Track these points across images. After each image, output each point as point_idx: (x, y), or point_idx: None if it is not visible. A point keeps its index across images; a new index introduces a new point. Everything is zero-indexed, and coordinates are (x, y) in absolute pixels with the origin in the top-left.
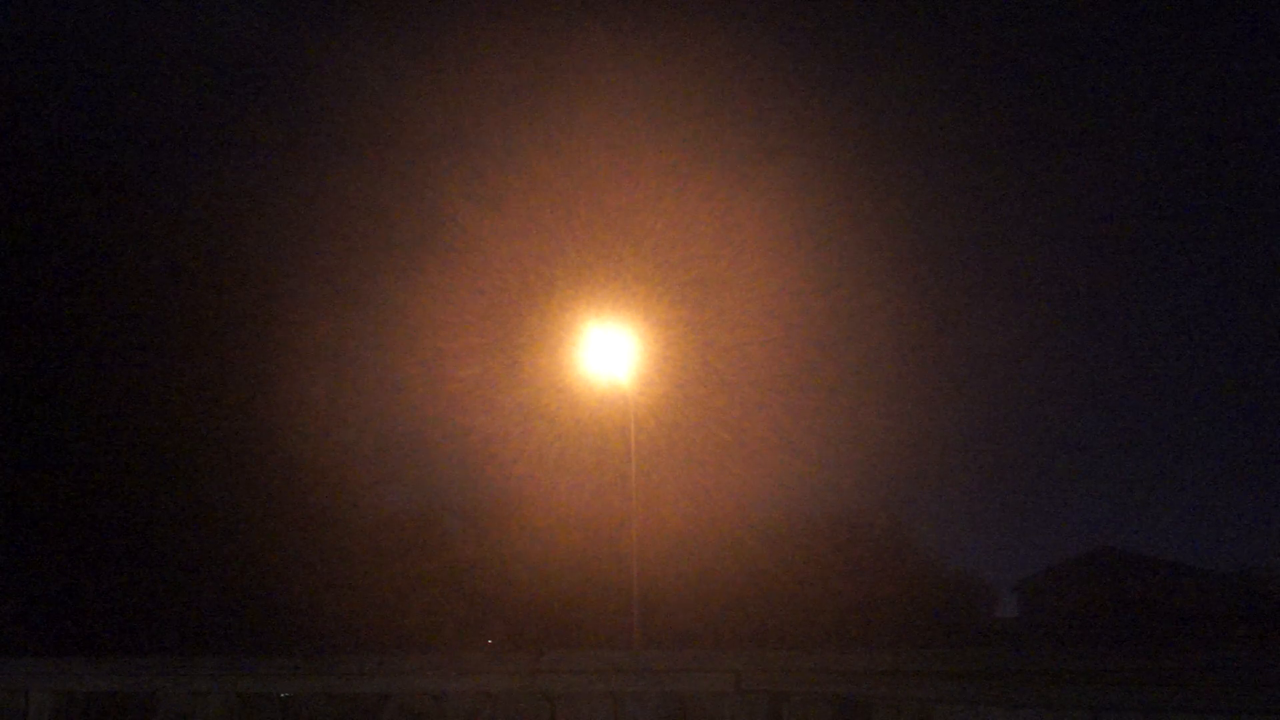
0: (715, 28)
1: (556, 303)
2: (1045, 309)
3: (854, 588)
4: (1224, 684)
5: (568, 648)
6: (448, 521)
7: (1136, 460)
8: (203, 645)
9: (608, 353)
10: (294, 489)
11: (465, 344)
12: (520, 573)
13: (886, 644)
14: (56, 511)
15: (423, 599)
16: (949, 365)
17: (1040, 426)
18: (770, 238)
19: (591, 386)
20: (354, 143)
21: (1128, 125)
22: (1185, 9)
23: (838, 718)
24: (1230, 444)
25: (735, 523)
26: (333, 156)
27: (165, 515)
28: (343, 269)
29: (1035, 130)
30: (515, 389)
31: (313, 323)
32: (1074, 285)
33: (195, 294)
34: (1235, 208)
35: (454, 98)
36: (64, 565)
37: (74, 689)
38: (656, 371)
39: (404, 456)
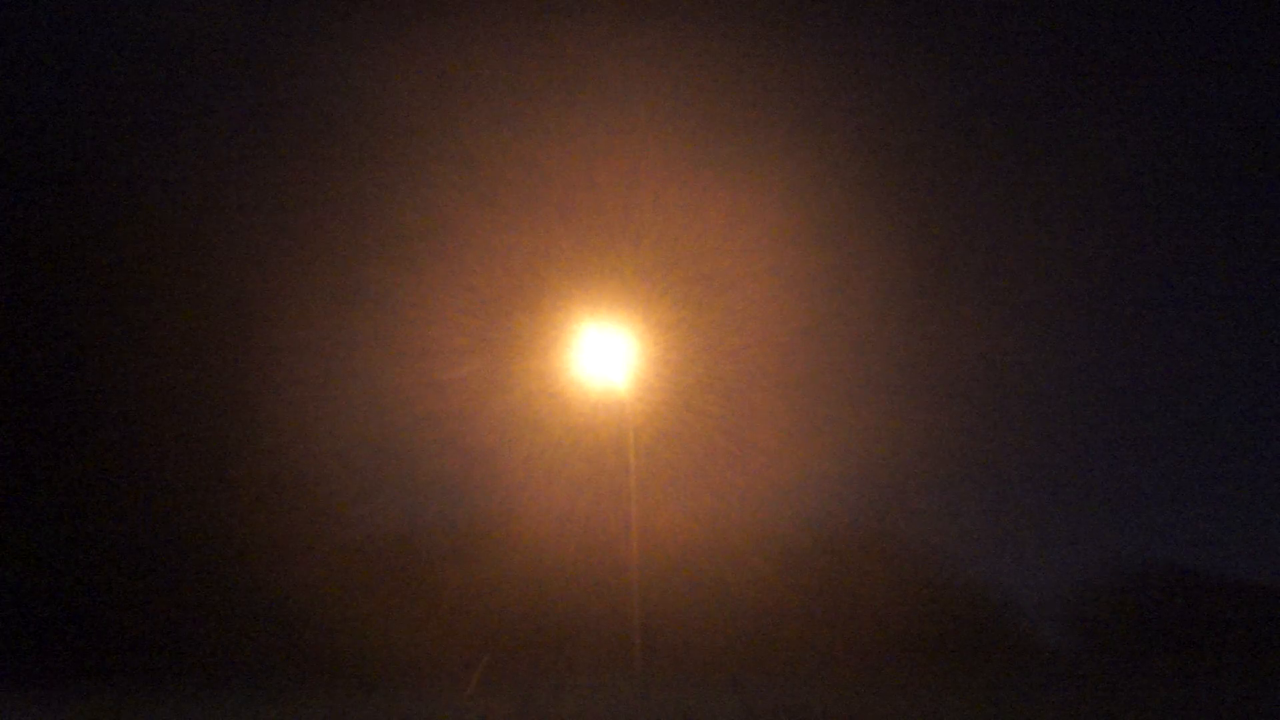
0: (723, 13)
1: (548, 301)
2: (1079, 300)
3: (868, 604)
4: None
5: (563, 670)
6: (431, 539)
7: (1191, 463)
8: (175, 670)
9: (603, 356)
10: (271, 508)
11: (450, 345)
12: (512, 592)
13: (903, 663)
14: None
15: (407, 622)
16: (973, 364)
17: (1081, 427)
18: (780, 233)
19: (586, 393)
20: (334, 130)
21: (1140, 119)
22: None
23: None
24: None
25: (740, 538)
26: (311, 144)
27: (131, 535)
28: (317, 262)
29: (1048, 127)
30: (502, 394)
31: (287, 323)
32: (1106, 278)
33: (167, 297)
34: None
35: (444, 83)
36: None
37: None
38: (656, 377)
39: (383, 467)
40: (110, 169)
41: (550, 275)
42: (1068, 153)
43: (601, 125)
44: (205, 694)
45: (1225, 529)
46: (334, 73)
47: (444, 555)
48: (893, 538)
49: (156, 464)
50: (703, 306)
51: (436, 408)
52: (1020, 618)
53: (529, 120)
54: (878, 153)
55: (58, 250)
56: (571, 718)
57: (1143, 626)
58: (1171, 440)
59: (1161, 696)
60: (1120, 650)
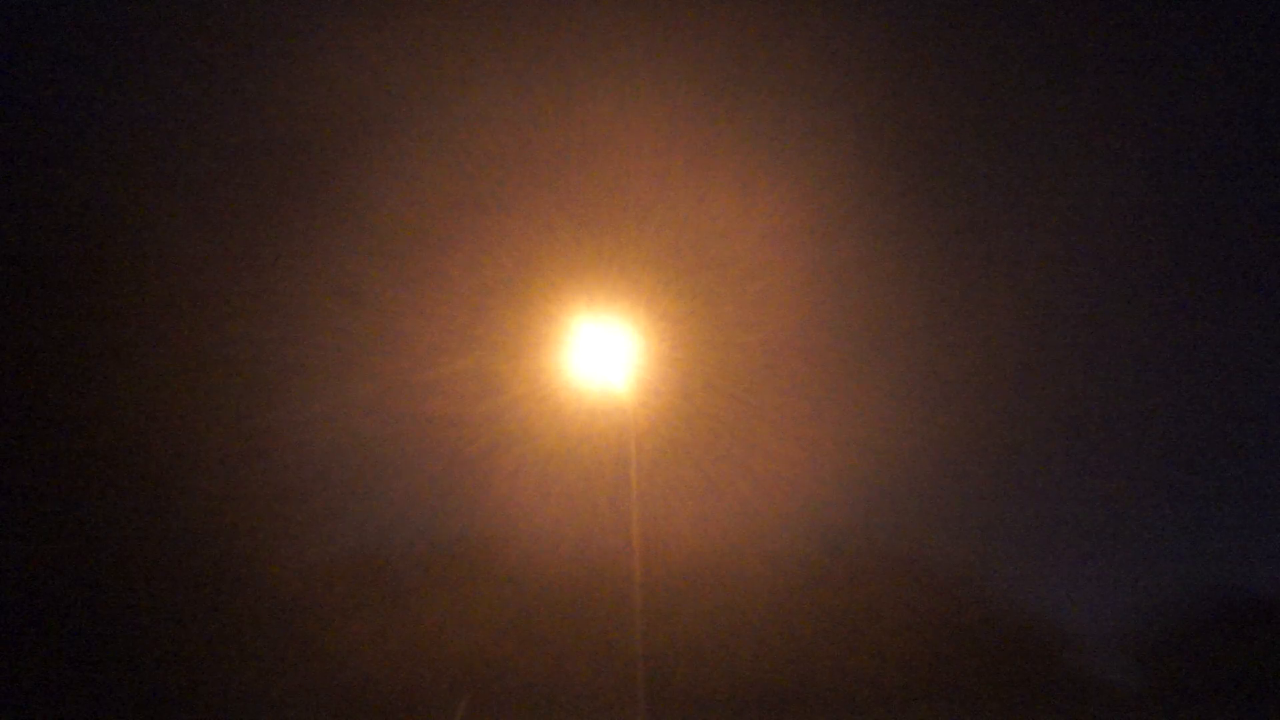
0: None
1: (540, 293)
2: (1133, 303)
3: (900, 634)
4: None
5: (557, 709)
6: (408, 560)
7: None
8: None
9: (602, 354)
10: (229, 526)
11: (429, 342)
12: (499, 621)
13: (935, 700)
14: None
15: (380, 655)
16: (1017, 365)
17: (1153, 432)
18: (798, 218)
19: (581, 396)
20: (315, 116)
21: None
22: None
23: None
24: None
25: (756, 560)
26: (288, 131)
27: (68, 558)
28: (287, 255)
29: (1080, 118)
30: (488, 397)
31: (245, 320)
32: (1160, 281)
33: (115, 294)
34: None
35: (434, 61)
36: None
37: None
38: (661, 377)
39: (353, 480)
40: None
41: (543, 264)
42: (1110, 142)
43: (601, 101)
44: None
45: None
46: (320, 59)
47: (422, 579)
48: (927, 559)
49: (99, 479)
50: (713, 299)
51: (414, 412)
52: (1071, 650)
53: (521, 95)
54: (904, 135)
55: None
56: None
57: (1213, 662)
58: (1256, 451)
59: None
60: (1187, 689)
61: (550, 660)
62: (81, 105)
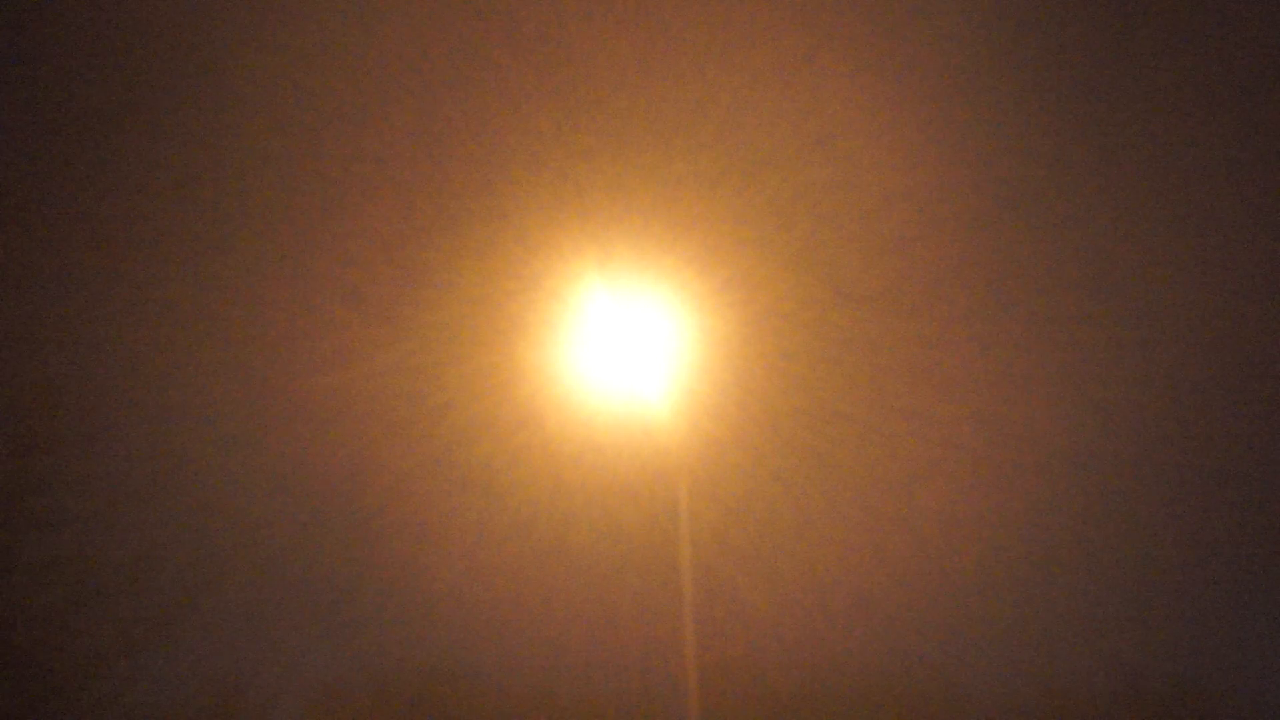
0: None
1: (530, 253)
2: None
3: None
4: None
5: None
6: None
7: None
8: None
9: (626, 350)
10: None
11: (334, 328)
12: None
13: None
14: None
15: None
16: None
17: None
18: (917, 135)
19: (593, 418)
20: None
21: None
22: None
23: None
24: None
25: (867, 669)
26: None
27: None
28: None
29: None
30: (440, 421)
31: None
32: None
33: None
34: None
35: None
36: None
37: None
38: (722, 391)
39: (212, 579)
40: None
41: (529, 206)
42: None
43: None
44: None
45: None
46: None
47: None
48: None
49: None
50: (802, 258)
51: (318, 451)
52: None
53: None
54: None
55: None
56: None
57: None
58: None
59: None
60: None
61: None
62: None
